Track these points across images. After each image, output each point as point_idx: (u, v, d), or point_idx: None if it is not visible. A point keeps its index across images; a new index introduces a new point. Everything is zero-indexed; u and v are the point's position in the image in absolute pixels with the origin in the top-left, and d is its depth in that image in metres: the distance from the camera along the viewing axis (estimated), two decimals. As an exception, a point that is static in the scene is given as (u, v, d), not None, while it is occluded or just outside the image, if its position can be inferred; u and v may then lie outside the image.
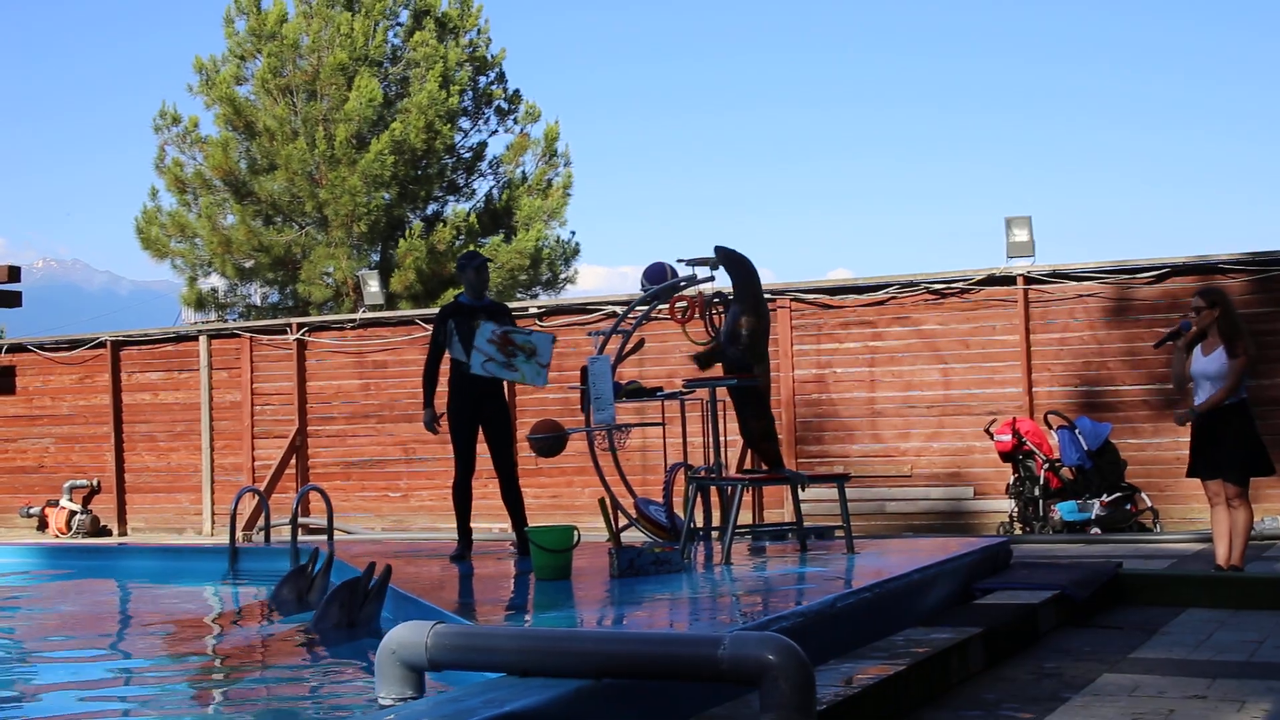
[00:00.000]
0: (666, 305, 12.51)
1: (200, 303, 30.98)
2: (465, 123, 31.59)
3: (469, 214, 30.65)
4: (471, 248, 29.34)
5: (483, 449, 10.83)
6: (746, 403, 10.06)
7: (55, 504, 21.72)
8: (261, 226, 30.02)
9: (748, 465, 15.99)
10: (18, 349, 22.83)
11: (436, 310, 12.46)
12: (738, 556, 9.95)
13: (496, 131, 32.31)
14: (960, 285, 17.24)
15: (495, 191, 31.80)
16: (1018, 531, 15.66)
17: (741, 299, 9.89)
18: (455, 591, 9.02)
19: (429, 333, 19.59)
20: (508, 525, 18.52)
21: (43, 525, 21.77)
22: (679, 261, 11.70)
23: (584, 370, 11.55)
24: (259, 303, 31.55)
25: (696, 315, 11.85)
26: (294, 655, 8.44)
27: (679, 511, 11.61)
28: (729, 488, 10.59)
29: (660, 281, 12.05)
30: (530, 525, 9.97)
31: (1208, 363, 10.29)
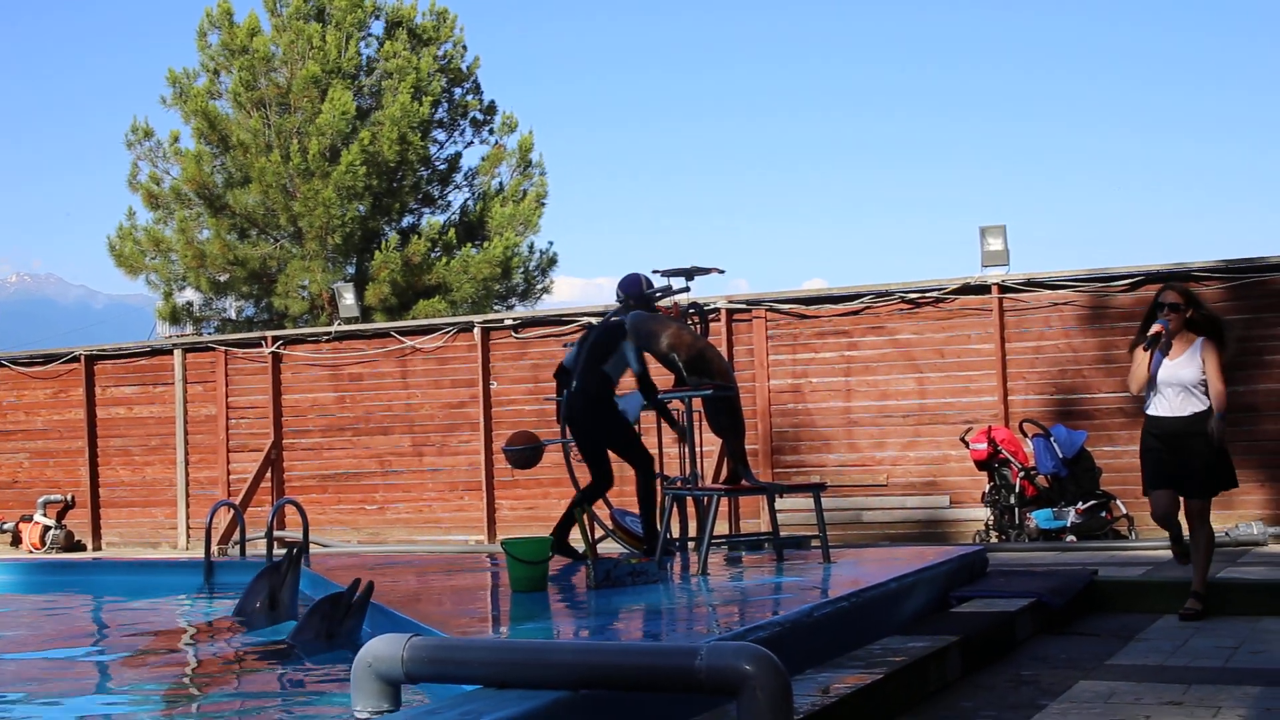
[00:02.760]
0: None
1: (175, 317, 30.87)
2: (440, 134, 31.58)
3: (445, 226, 30.61)
4: (446, 260, 29.32)
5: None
6: (718, 410, 10.16)
7: (29, 519, 21.60)
8: (236, 240, 29.94)
9: (724, 476, 16.00)
10: (-9, 364, 22.73)
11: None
12: (714, 567, 9.95)
13: (472, 143, 32.31)
14: (935, 294, 17.27)
15: (470, 203, 31.77)
16: (994, 540, 15.69)
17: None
18: (431, 603, 9.00)
19: (404, 345, 19.72)
20: (484, 538, 18.58)
21: (16, 541, 21.66)
22: (654, 273, 11.70)
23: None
24: (235, 316, 31.47)
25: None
26: (269, 669, 8.41)
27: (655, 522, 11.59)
28: (705, 498, 10.59)
29: (635, 291, 12.04)
30: (505, 538, 9.94)
31: (1177, 367, 9.02)
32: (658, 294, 11.36)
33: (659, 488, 10.89)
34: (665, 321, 10.53)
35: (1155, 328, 9.12)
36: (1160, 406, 9.13)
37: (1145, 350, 9.19)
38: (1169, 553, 13.89)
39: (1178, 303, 9.14)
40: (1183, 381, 9.02)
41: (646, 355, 10.33)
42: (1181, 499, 9.13)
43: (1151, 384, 9.14)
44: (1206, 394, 8.98)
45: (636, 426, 10.91)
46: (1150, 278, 16.31)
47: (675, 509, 10.89)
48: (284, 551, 10.58)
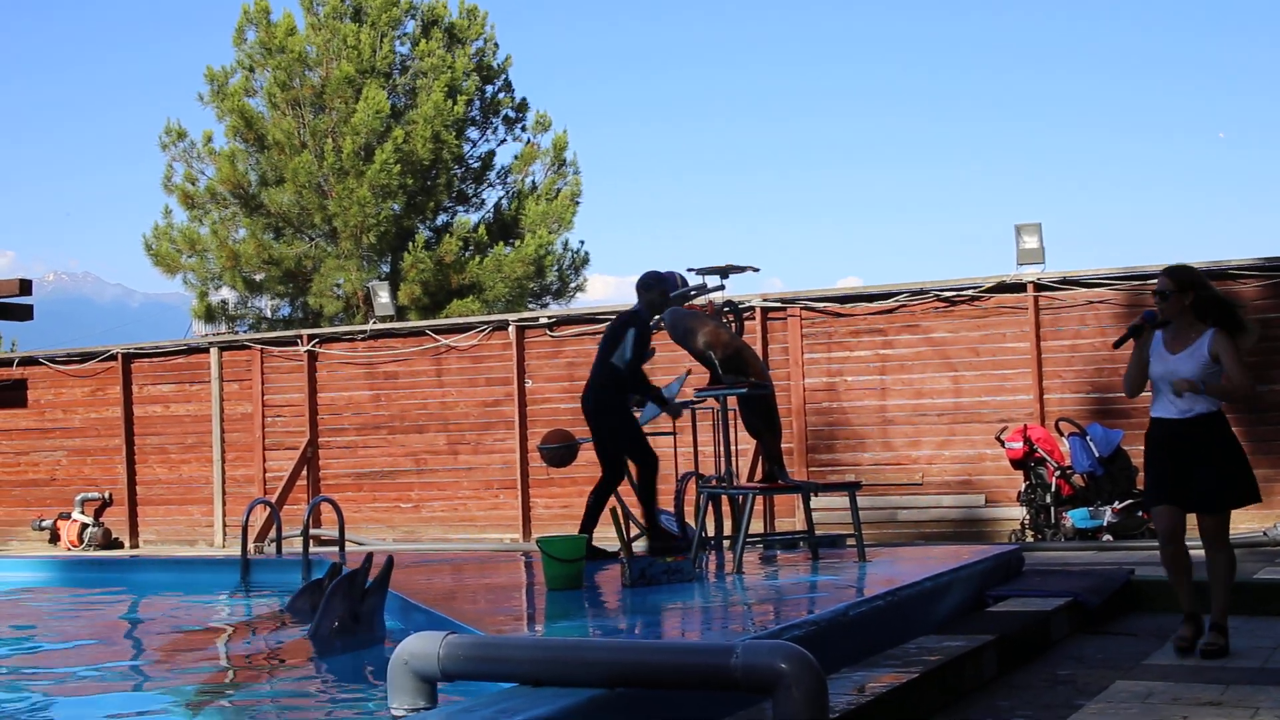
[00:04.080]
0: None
1: (211, 315, 30.98)
2: (474, 133, 31.59)
3: (477, 225, 30.63)
4: (479, 259, 29.34)
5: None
6: (753, 409, 10.18)
7: (67, 517, 21.73)
8: (271, 239, 30.02)
9: (759, 474, 15.99)
10: (29, 362, 22.84)
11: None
12: (749, 565, 9.95)
13: (505, 141, 32.28)
14: (970, 292, 17.22)
15: (504, 201, 31.79)
16: (1030, 539, 15.64)
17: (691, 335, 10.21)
18: (467, 601, 9.02)
19: (439, 343, 19.76)
20: (519, 536, 18.59)
21: (54, 538, 21.78)
22: (689, 271, 11.70)
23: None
24: (270, 315, 31.56)
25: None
26: (305, 666, 8.44)
27: (690, 521, 11.60)
28: (740, 496, 10.58)
29: (650, 288, 12.04)
30: (541, 536, 9.95)
31: (1180, 361, 7.69)
32: (692, 292, 11.36)
33: (654, 483, 10.94)
34: (703, 319, 10.54)
35: (1137, 320, 7.96)
36: (1162, 407, 7.81)
37: (1116, 347, 8.29)
38: (1204, 553, 13.88)
39: (1168, 289, 7.80)
40: (1184, 376, 7.66)
41: (684, 350, 10.37)
42: (1196, 516, 7.76)
43: (1154, 381, 7.86)
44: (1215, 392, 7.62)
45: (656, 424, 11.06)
46: (1187, 276, 16.21)
47: (710, 507, 10.88)
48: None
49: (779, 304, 18.13)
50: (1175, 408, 7.68)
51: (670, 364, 17.08)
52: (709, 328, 10.28)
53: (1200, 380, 7.55)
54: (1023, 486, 16.05)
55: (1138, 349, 7.87)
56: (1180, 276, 7.81)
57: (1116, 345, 8.22)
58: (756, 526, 16.25)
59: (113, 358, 22.00)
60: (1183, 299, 7.73)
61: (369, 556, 8.97)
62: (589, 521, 10.84)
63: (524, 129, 32.11)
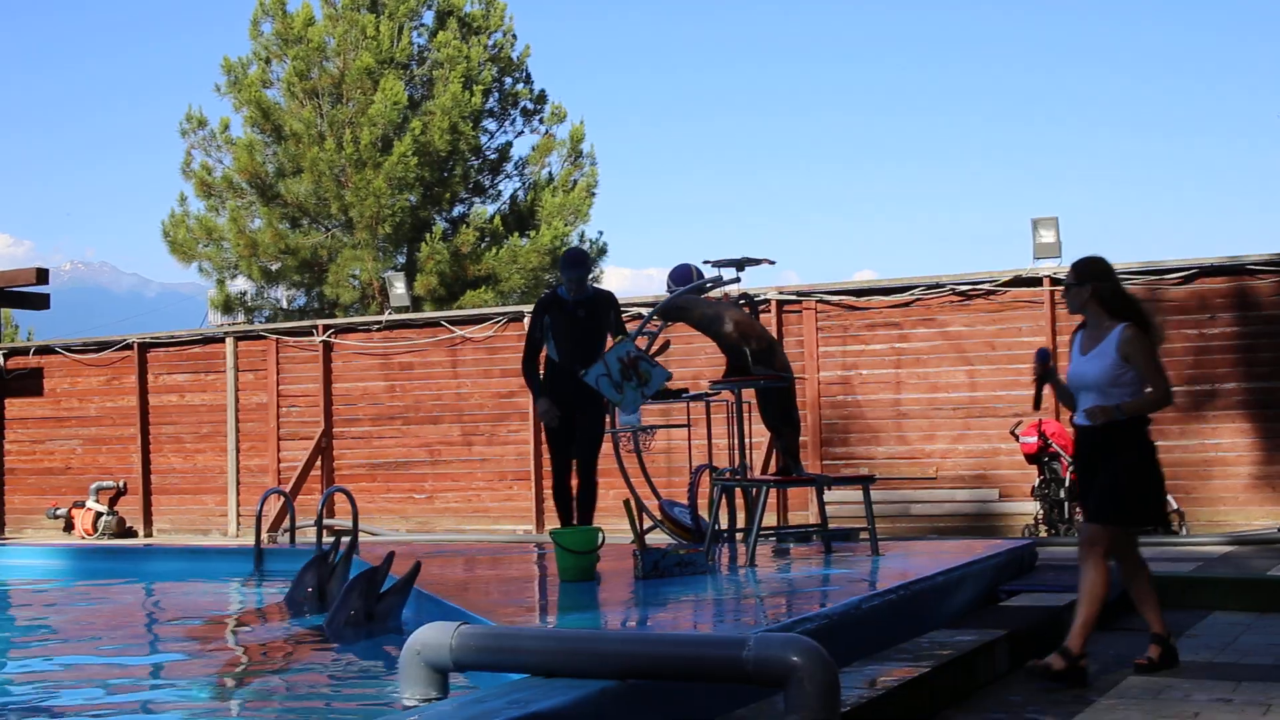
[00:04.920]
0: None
1: (228, 305, 31.06)
2: (491, 124, 31.60)
3: (494, 216, 30.64)
4: (495, 250, 29.35)
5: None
6: (773, 401, 10.17)
7: (82, 505, 21.79)
8: (288, 229, 30.07)
9: (773, 467, 15.99)
10: (46, 351, 22.91)
11: (530, 306, 12.21)
12: (762, 558, 9.95)
13: (523, 132, 32.31)
14: (986, 286, 17.19)
15: (521, 193, 31.81)
16: (1043, 534, 15.61)
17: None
18: (479, 592, 9.03)
19: (454, 335, 19.78)
20: (533, 528, 18.60)
21: (69, 526, 21.85)
22: (705, 263, 11.68)
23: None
24: (286, 305, 31.62)
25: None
26: (317, 655, 8.45)
27: (704, 513, 11.61)
28: (754, 489, 10.58)
29: (686, 283, 12.03)
30: (553, 528, 9.95)
31: (1089, 362, 7.05)
32: (708, 284, 11.36)
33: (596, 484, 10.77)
34: (723, 304, 10.58)
35: (1037, 365, 7.33)
36: (1078, 413, 7.16)
37: (1036, 409, 7.52)
38: (1217, 549, 13.89)
39: (1069, 281, 7.21)
40: (1088, 382, 7.05)
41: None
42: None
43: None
44: (1126, 395, 6.95)
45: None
46: (1204, 270, 16.20)
47: (724, 500, 10.88)
48: (333, 540, 10.62)
49: (794, 297, 18.11)
50: (1081, 414, 7.08)
51: (685, 356, 17.06)
52: (740, 317, 10.28)
53: (1107, 393, 6.94)
54: (1036, 481, 16.03)
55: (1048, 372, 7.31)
56: (1080, 268, 7.18)
57: (1035, 407, 7.42)
58: (769, 519, 16.26)
59: (128, 347, 22.05)
60: (1083, 292, 7.11)
61: (390, 555, 8.98)
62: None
63: (541, 121, 32.14)
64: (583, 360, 10.25)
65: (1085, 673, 6.69)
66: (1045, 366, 7.31)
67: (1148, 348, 6.98)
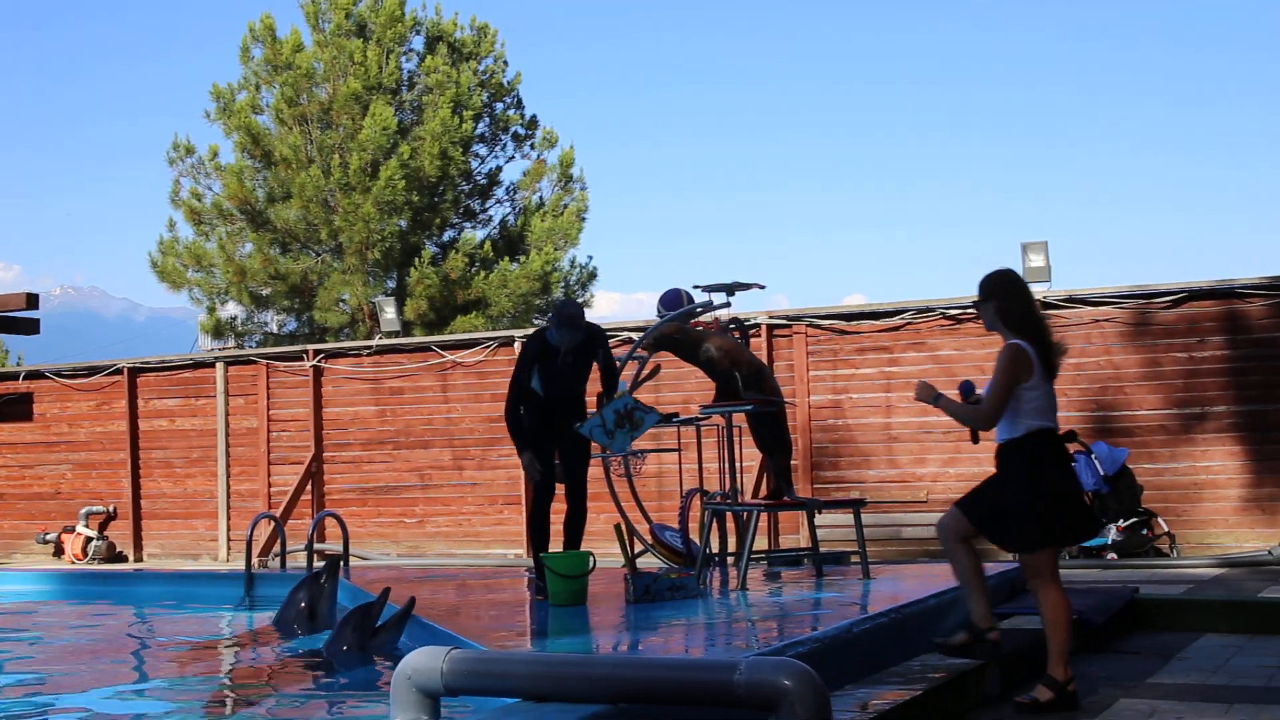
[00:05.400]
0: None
1: (218, 330, 31.04)
2: (482, 149, 31.63)
3: (484, 241, 30.68)
4: (484, 275, 29.33)
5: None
6: (764, 425, 10.20)
7: (71, 530, 21.74)
8: (277, 254, 30.07)
9: (763, 491, 15.98)
10: (35, 376, 22.87)
11: (517, 341, 12.08)
12: (753, 582, 9.94)
13: (513, 157, 32.34)
14: (976, 311, 17.18)
15: (511, 218, 31.84)
16: (1034, 557, 15.59)
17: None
18: (470, 617, 9.02)
19: (444, 359, 19.78)
20: (523, 551, 18.57)
21: (59, 551, 21.79)
22: (695, 288, 11.71)
23: (599, 396, 11.55)
24: (276, 330, 31.60)
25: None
26: (308, 680, 8.45)
27: (695, 537, 11.60)
28: (745, 513, 10.58)
29: (676, 308, 12.04)
30: (545, 552, 9.93)
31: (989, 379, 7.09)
32: (698, 309, 11.37)
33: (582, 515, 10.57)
34: (708, 333, 10.63)
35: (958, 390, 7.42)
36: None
37: (975, 443, 7.35)
38: (1208, 571, 13.91)
39: (977, 300, 7.20)
40: (920, 383, 7.25)
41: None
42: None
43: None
44: (1017, 415, 6.96)
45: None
46: (1193, 294, 16.24)
47: (715, 524, 10.88)
48: (323, 563, 10.64)
49: (784, 321, 18.13)
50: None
51: (675, 380, 17.08)
52: (725, 344, 10.32)
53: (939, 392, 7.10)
54: (1027, 505, 16.02)
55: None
56: (983, 284, 7.12)
57: (974, 441, 7.25)
58: (760, 543, 16.24)
59: (118, 372, 22.03)
60: (987, 308, 7.10)
61: (386, 590, 9.01)
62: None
63: (532, 146, 32.19)
64: (565, 394, 10.11)
65: (1075, 696, 6.67)
66: (966, 396, 7.27)
67: (1005, 368, 6.89)
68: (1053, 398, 7.10)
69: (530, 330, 20.18)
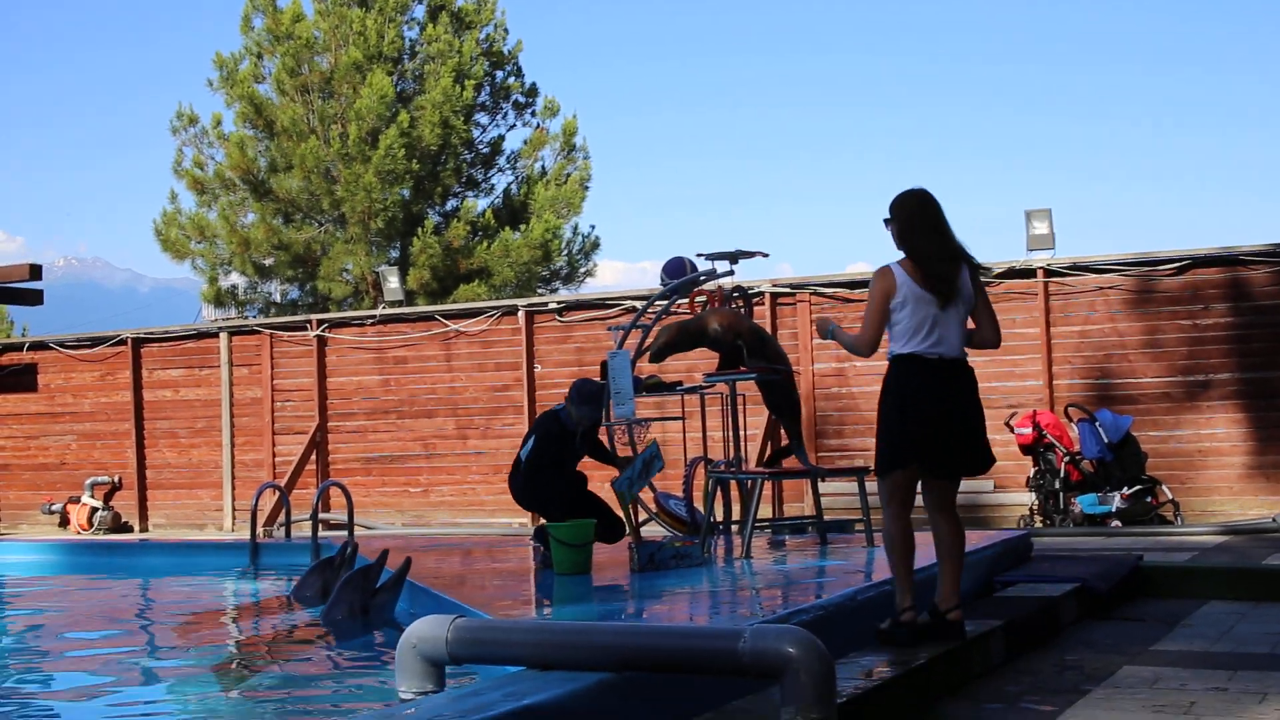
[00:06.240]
0: (686, 300, 12.50)
1: (221, 300, 31.02)
2: (483, 118, 31.54)
3: (486, 210, 30.62)
4: (487, 244, 29.26)
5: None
6: (774, 390, 10.25)
7: (77, 501, 21.77)
8: (280, 224, 30.03)
9: (766, 457, 16.00)
10: (40, 346, 22.88)
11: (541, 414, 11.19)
12: (758, 550, 9.96)
13: (515, 126, 32.25)
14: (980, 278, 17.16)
15: (513, 187, 31.77)
16: (1038, 524, 15.62)
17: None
18: (475, 586, 9.04)
19: (448, 329, 19.77)
20: (528, 520, 18.61)
21: (64, 522, 21.83)
22: (698, 256, 11.70)
23: (604, 365, 11.54)
24: (279, 300, 31.58)
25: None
26: (314, 649, 8.46)
27: (699, 505, 11.61)
28: (749, 481, 10.59)
29: (680, 276, 12.03)
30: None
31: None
32: (702, 277, 11.36)
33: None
34: (703, 312, 10.67)
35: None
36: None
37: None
38: (1212, 538, 13.92)
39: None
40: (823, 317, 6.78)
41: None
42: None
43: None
44: (892, 340, 7.10)
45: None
46: (1197, 262, 16.21)
47: (719, 492, 10.89)
48: (341, 545, 10.54)
49: (788, 289, 18.12)
50: None
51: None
52: (723, 317, 10.33)
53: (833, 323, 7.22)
54: (1032, 472, 16.04)
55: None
56: (891, 205, 6.89)
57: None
58: (765, 511, 16.25)
59: (122, 342, 22.03)
60: (891, 229, 6.90)
61: (384, 553, 9.03)
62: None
63: (534, 114, 32.10)
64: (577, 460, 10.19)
65: (913, 628, 6.53)
66: (823, 333, 7.47)
67: (874, 293, 6.84)
68: (931, 320, 6.89)
69: (532, 299, 20.19)
